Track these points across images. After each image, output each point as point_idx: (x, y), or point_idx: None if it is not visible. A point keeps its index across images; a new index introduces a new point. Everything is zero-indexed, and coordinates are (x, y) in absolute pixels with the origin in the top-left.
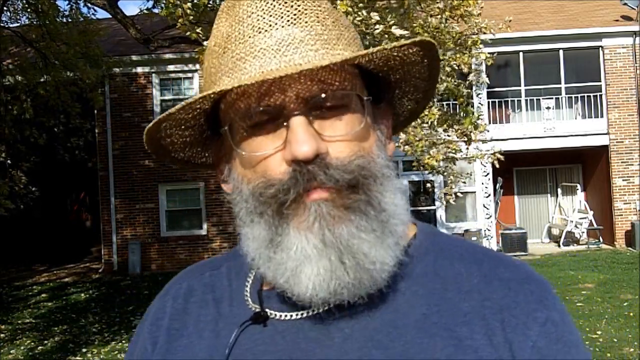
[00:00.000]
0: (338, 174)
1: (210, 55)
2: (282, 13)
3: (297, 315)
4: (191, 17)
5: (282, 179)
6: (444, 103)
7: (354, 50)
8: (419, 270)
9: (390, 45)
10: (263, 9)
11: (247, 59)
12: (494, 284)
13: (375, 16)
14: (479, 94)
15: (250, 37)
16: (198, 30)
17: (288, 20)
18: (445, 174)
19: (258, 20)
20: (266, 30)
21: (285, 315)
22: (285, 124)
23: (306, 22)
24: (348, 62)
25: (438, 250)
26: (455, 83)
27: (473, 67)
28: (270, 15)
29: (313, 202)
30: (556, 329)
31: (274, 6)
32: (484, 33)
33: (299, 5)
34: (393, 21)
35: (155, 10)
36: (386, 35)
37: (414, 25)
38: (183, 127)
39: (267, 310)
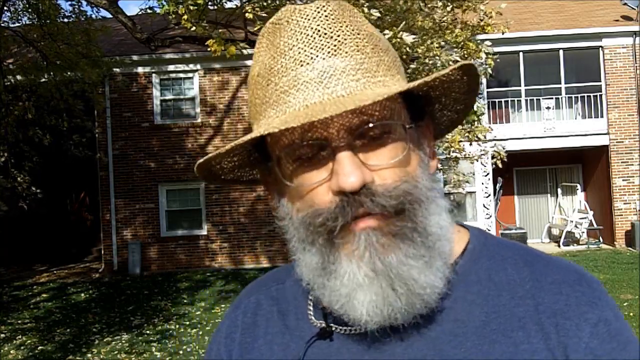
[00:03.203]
0: (384, 200)
1: (254, 85)
2: (322, 45)
3: (360, 329)
4: (194, 14)
5: (330, 207)
6: None
7: (393, 74)
8: (473, 277)
9: (431, 77)
10: (304, 42)
11: (291, 92)
12: (546, 287)
13: (375, 13)
14: (479, 93)
15: (292, 69)
16: (204, 24)
17: (329, 52)
18: (447, 174)
19: (299, 52)
20: (308, 63)
21: (349, 330)
22: (331, 156)
23: (346, 52)
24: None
25: (490, 255)
26: None
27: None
28: (311, 48)
29: (362, 231)
30: (608, 328)
31: (314, 38)
32: (486, 32)
33: (338, 36)
34: (401, 28)
35: (157, 10)
36: (398, 40)
37: (417, 20)
38: (232, 154)
39: (332, 325)
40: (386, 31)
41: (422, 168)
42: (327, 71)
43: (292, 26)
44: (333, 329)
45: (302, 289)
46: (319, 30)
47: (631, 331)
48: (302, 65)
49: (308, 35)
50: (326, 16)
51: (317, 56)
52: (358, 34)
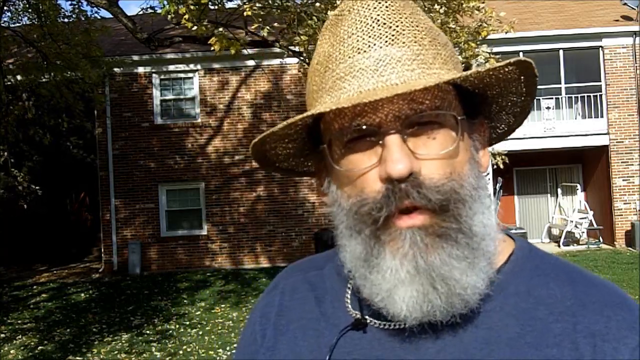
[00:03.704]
0: (431, 194)
1: (313, 73)
2: (380, 34)
3: (394, 325)
4: (195, 14)
5: (376, 197)
6: None
7: (449, 69)
8: (512, 288)
9: (485, 67)
10: (363, 30)
11: (347, 79)
12: (588, 307)
13: None
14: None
15: (350, 57)
16: (205, 23)
17: (386, 41)
18: None
19: (358, 40)
20: (365, 51)
21: (383, 324)
22: (380, 142)
23: (404, 42)
24: (434, 88)
25: (533, 268)
26: None
27: (479, 60)
28: (370, 36)
29: (408, 229)
30: None
31: (373, 27)
32: (484, 37)
33: (397, 26)
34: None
35: (158, 10)
36: None
37: None
38: (287, 140)
39: (367, 317)
40: None
41: (470, 164)
42: (383, 60)
43: (352, 15)
44: (368, 321)
45: (341, 277)
46: (378, 20)
47: None
48: (359, 53)
49: (367, 24)
50: (387, 7)
51: (374, 44)
52: (417, 26)
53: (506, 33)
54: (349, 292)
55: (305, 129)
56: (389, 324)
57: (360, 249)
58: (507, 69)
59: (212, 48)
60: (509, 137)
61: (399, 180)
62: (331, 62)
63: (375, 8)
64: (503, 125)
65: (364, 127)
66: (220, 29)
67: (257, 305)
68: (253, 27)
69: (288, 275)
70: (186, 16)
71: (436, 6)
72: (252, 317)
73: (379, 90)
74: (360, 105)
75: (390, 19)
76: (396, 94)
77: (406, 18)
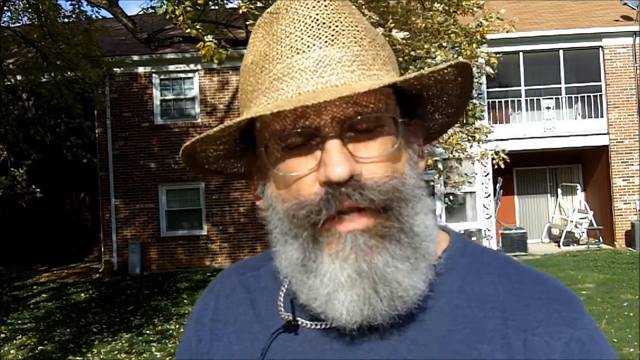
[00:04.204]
0: (373, 194)
1: (247, 72)
2: (319, 34)
3: (326, 325)
4: (191, 15)
5: (315, 199)
6: None
7: (389, 70)
8: (446, 285)
9: (427, 70)
10: (301, 30)
11: (285, 80)
12: (520, 301)
13: (374, 16)
14: (480, 94)
15: (288, 57)
16: (198, 26)
17: (325, 41)
18: (448, 174)
19: (296, 40)
20: (304, 51)
21: (315, 325)
22: (320, 145)
23: (343, 43)
24: (376, 91)
25: (468, 264)
26: None
27: (480, 60)
28: (309, 36)
29: (348, 233)
30: (582, 348)
31: (312, 27)
32: (487, 33)
33: (337, 26)
34: (393, 24)
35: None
36: (386, 39)
37: (417, 22)
38: (218, 142)
39: (298, 319)
40: (379, 28)
41: (410, 166)
42: (322, 60)
43: (290, 14)
44: (300, 322)
45: (277, 279)
46: (317, 19)
47: (611, 353)
48: (298, 53)
49: (306, 23)
50: (326, 6)
51: (314, 45)
52: (356, 26)
53: (507, 32)
54: (282, 294)
55: (237, 131)
56: (320, 324)
57: (296, 255)
58: (446, 71)
59: (200, 53)
60: (509, 138)
61: (339, 183)
62: (268, 62)
63: (314, 7)
64: (436, 126)
65: (304, 130)
66: (210, 37)
67: (193, 310)
68: (249, 22)
69: (224, 279)
70: (180, 18)
71: (436, 4)
72: (188, 323)
73: (320, 92)
74: (300, 108)
75: (329, 18)
76: (339, 97)
77: (346, 18)
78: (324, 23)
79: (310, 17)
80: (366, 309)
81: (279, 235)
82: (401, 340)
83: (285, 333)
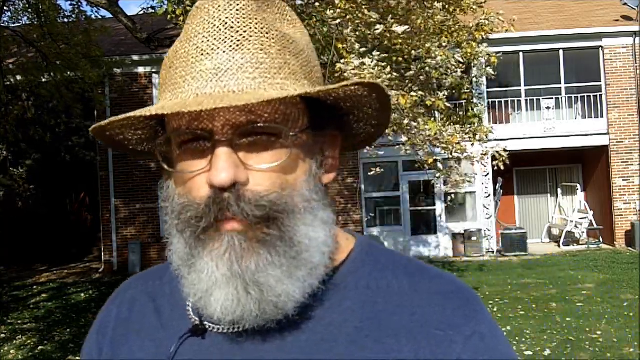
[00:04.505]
0: (249, 209)
1: (163, 66)
2: (225, 38)
3: (233, 328)
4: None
5: (199, 204)
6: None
7: (297, 79)
8: (352, 284)
9: (334, 86)
10: (209, 31)
11: (187, 79)
12: (423, 297)
13: (374, 15)
14: (480, 94)
15: (193, 57)
16: None
17: (230, 46)
18: (449, 174)
19: (202, 42)
20: (208, 53)
21: (223, 328)
22: (212, 149)
23: (248, 49)
24: (274, 101)
25: (373, 263)
26: (459, 76)
27: (479, 60)
28: (215, 39)
29: (227, 233)
30: (483, 342)
31: (220, 30)
32: (488, 33)
33: (244, 32)
34: (393, 20)
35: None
36: (387, 34)
37: (417, 21)
38: (134, 128)
39: (205, 323)
40: (378, 26)
41: (306, 177)
42: (224, 64)
43: (202, 14)
44: (207, 326)
45: (180, 285)
46: (226, 23)
47: (509, 348)
48: (202, 55)
49: (215, 25)
50: (237, 10)
51: (218, 48)
52: (267, 33)
53: (506, 31)
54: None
55: (153, 118)
56: (227, 328)
57: (182, 248)
58: (354, 88)
59: None
60: (509, 138)
61: (220, 189)
62: (176, 60)
63: (225, 10)
64: (363, 134)
65: (198, 131)
66: None
67: (96, 319)
68: None
69: (128, 287)
70: (181, 18)
71: (436, 4)
72: (90, 333)
73: (216, 95)
74: (194, 111)
75: (238, 23)
76: (232, 105)
77: (257, 24)
78: (232, 27)
79: (220, 19)
80: (239, 309)
81: (171, 227)
82: (309, 339)
83: (194, 338)
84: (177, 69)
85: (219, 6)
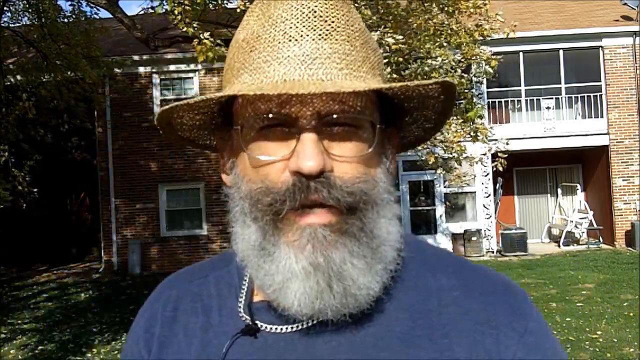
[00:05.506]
0: (340, 194)
1: (237, 49)
2: (315, 26)
3: (286, 328)
4: (190, 14)
5: (281, 188)
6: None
7: (375, 74)
8: (402, 283)
9: (413, 82)
10: (298, 18)
11: (273, 64)
12: (475, 296)
13: (374, 17)
14: (480, 94)
15: (280, 42)
16: (195, 25)
17: (320, 34)
18: (449, 173)
19: (291, 28)
20: (297, 40)
21: (275, 328)
22: (296, 135)
23: (336, 40)
24: (361, 93)
25: (421, 262)
26: (459, 75)
27: (479, 62)
28: (304, 26)
29: (308, 226)
30: (535, 338)
31: (309, 17)
32: (488, 35)
33: (332, 22)
34: (387, 29)
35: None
36: (382, 41)
37: (413, 26)
38: (196, 111)
39: (257, 322)
40: (373, 34)
41: (382, 171)
42: (313, 52)
43: (289, 0)
44: (259, 326)
45: (229, 285)
46: (315, 11)
47: (556, 342)
48: (290, 41)
49: (304, 13)
50: (325, 0)
51: (307, 35)
52: (352, 25)
53: (507, 36)
54: (242, 297)
55: (218, 104)
56: (281, 328)
57: (254, 237)
58: (431, 87)
59: (195, 55)
60: (509, 137)
61: (308, 176)
62: (259, 43)
63: None
64: (411, 137)
65: (284, 117)
66: (207, 35)
67: (140, 318)
68: None
69: (171, 286)
70: (179, 17)
71: (434, 5)
72: (135, 332)
73: (305, 82)
74: (285, 95)
75: (327, 12)
76: (324, 91)
77: (343, 15)
78: (320, 16)
79: (309, 7)
80: (318, 302)
81: (239, 214)
82: (364, 338)
83: (244, 338)
84: (260, 53)
85: None
